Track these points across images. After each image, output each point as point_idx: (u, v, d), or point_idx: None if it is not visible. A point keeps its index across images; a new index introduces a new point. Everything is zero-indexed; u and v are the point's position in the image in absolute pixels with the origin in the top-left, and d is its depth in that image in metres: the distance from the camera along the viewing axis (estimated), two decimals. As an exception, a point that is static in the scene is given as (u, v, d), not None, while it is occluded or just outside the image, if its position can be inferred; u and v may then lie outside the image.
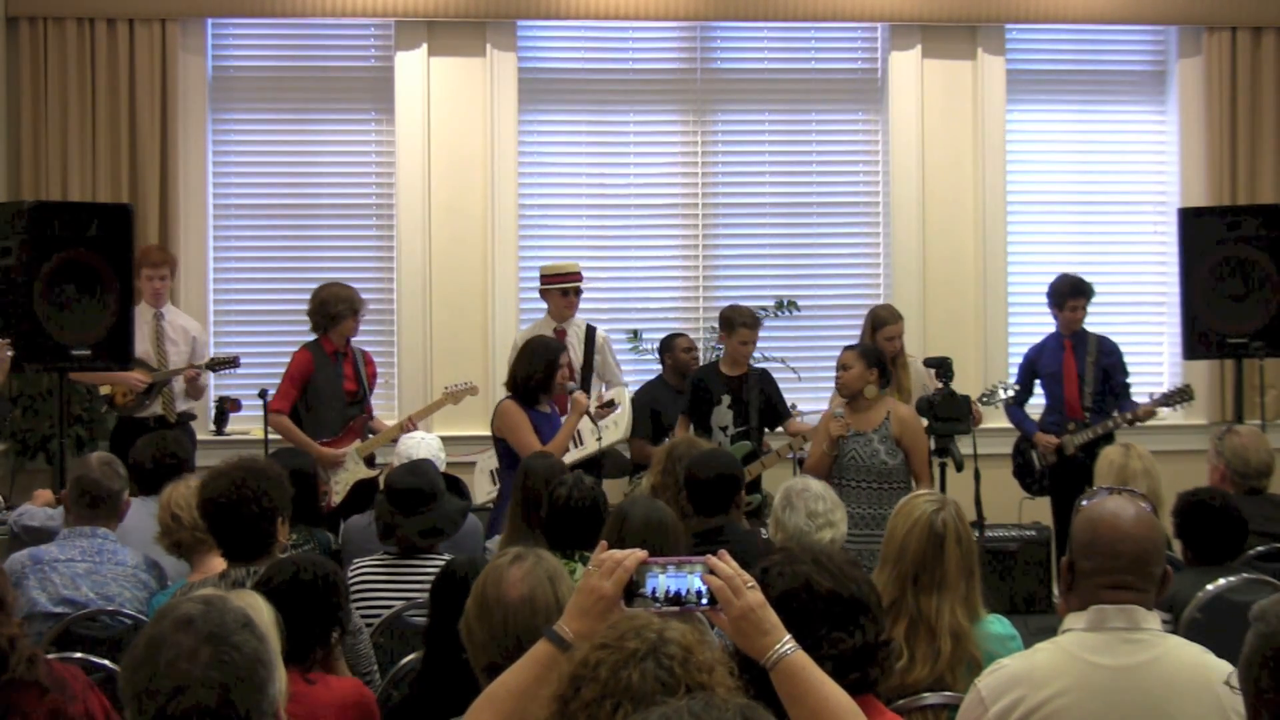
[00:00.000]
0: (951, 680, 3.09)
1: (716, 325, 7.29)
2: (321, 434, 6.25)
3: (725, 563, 2.18)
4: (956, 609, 3.16)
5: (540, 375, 5.61)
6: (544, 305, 6.77)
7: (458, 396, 6.48)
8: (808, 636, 2.28)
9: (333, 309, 6.28)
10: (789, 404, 6.47)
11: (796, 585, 2.37)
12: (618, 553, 2.22)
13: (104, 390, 6.48)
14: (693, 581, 2.18)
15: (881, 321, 6.61)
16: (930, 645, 3.11)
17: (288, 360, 6.39)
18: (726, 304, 6.71)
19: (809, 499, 4.03)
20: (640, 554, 2.21)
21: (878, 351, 5.85)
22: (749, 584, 2.17)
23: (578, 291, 6.65)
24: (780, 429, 6.37)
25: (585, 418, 5.79)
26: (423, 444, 5.18)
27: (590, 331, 6.70)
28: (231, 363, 6.58)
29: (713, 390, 6.40)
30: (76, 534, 4.12)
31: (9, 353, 5.31)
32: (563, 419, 5.76)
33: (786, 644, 2.13)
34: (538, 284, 6.79)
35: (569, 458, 5.66)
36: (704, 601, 2.16)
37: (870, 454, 5.54)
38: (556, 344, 5.91)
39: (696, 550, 3.97)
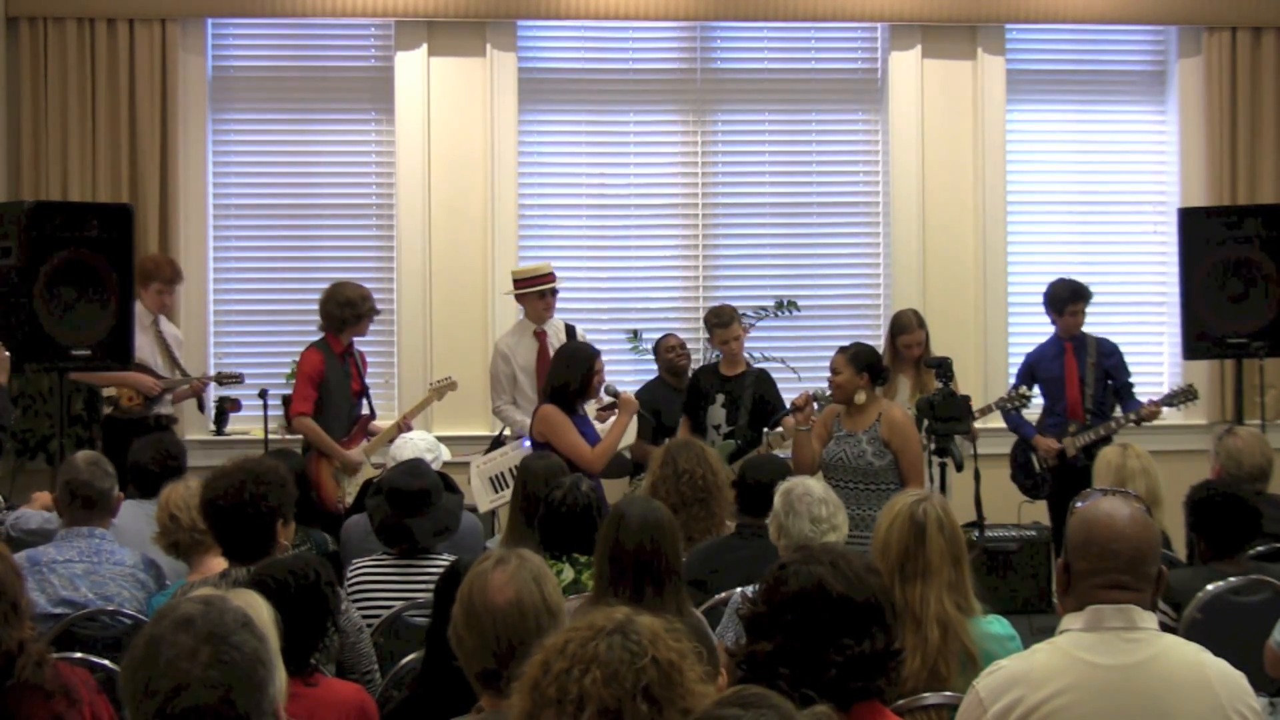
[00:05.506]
0: (946, 673, 3.09)
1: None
2: (333, 435, 6.22)
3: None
4: (944, 597, 3.16)
5: (580, 381, 5.63)
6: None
7: (440, 391, 6.50)
8: (816, 638, 2.28)
9: (361, 309, 6.27)
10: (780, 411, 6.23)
11: (809, 586, 2.37)
12: None
13: (109, 392, 6.47)
14: None
15: (899, 329, 6.54)
16: (916, 634, 3.10)
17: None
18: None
19: (811, 504, 3.86)
20: None
21: (868, 353, 5.62)
22: None
23: (554, 292, 6.55)
24: (766, 429, 6.18)
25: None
26: (415, 443, 5.18)
27: (570, 331, 6.60)
28: (237, 379, 6.69)
29: (708, 390, 6.39)
30: (74, 534, 4.10)
31: (4, 354, 5.30)
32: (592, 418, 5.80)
33: None
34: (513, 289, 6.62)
35: None
36: None
37: (857, 454, 5.42)
38: (591, 349, 5.88)
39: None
